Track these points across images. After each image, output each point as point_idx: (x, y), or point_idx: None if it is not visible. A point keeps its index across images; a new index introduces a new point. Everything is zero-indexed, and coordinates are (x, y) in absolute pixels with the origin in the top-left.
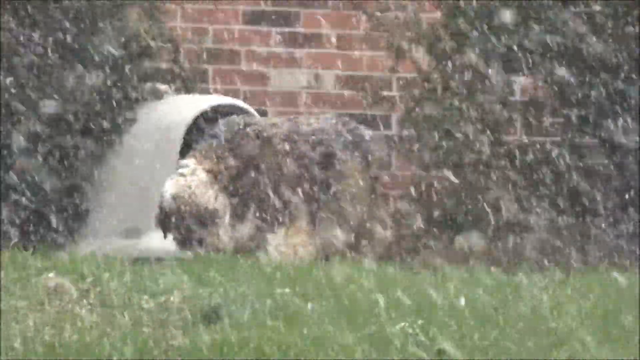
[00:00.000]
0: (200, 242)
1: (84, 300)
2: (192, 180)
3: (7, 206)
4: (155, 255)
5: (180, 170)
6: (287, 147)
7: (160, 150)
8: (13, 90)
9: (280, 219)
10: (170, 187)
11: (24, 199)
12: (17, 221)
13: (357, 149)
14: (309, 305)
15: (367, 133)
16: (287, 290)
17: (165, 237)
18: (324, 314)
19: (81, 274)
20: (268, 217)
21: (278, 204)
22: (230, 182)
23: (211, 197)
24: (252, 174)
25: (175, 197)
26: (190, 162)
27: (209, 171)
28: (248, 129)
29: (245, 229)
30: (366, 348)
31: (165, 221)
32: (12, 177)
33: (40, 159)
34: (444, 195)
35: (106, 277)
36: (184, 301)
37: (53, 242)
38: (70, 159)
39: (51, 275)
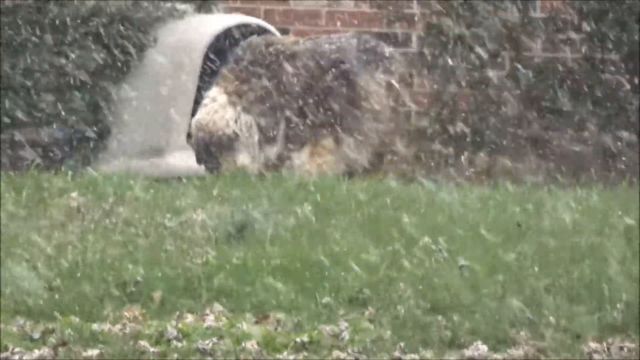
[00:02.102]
0: (219, 165)
1: (107, 219)
2: (212, 106)
3: (28, 126)
4: (177, 174)
5: (204, 102)
6: (309, 65)
7: (181, 69)
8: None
9: (305, 138)
10: (198, 112)
11: (45, 119)
12: (39, 141)
13: (378, 67)
14: (332, 222)
15: (388, 50)
16: (310, 207)
17: (198, 162)
18: (347, 231)
19: (104, 193)
20: (293, 136)
21: (302, 123)
22: (255, 103)
23: (230, 120)
24: (276, 94)
25: (200, 120)
26: (213, 91)
27: (230, 93)
28: (270, 49)
29: (271, 148)
30: (389, 264)
31: (193, 144)
32: (34, 97)
33: (62, 78)
34: (465, 112)
35: (129, 196)
36: (207, 219)
37: (76, 161)
38: (92, 79)
39: (73, 195)
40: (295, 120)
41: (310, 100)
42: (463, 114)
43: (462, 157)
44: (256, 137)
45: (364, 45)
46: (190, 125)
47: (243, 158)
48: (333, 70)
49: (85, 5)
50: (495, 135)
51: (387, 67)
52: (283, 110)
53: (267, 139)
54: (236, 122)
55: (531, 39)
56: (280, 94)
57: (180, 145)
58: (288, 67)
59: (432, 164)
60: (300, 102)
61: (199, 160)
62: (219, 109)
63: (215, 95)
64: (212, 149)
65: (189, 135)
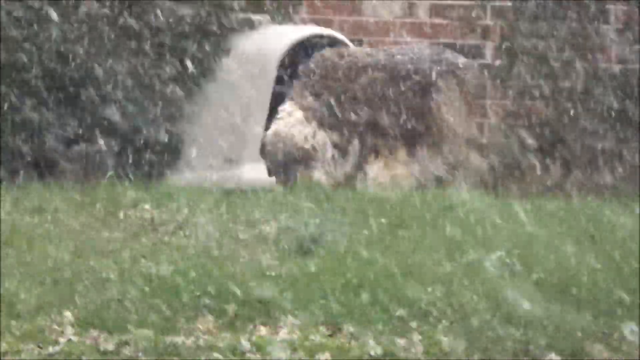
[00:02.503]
0: (293, 179)
1: (180, 232)
2: (288, 121)
3: (102, 137)
4: (250, 186)
5: (278, 116)
6: (381, 77)
7: (255, 80)
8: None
9: (379, 150)
10: (273, 125)
11: (119, 129)
12: (113, 153)
13: (452, 77)
14: (406, 234)
15: (461, 60)
16: (383, 220)
17: (269, 175)
18: (420, 243)
19: (177, 205)
20: (366, 149)
21: (376, 135)
22: (328, 118)
23: (308, 136)
24: (349, 107)
25: (276, 134)
26: (287, 105)
27: (305, 109)
28: (342, 62)
29: (345, 162)
30: (462, 277)
31: (267, 157)
32: (108, 108)
33: (136, 89)
34: (539, 124)
35: (202, 208)
36: (280, 231)
37: (148, 173)
38: (165, 90)
39: (146, 206)
40: (369, 132)
41: (384, 112)
42: (537, 126)
43: (537, 169)
44: (330, 152)
45: (437, 56)
46: (264, 137)
47: (318, 174)
48: (406, 81)
49: (160, 16)
50: (570, 147)
51: (461, 77)
52: (356, 123)
53: (340, 153)
54: (313, 137)
55: (606, 50)
56: (353, 106)
57: (254, 157)
58: (360, 79)
59: (507, 176)
60: (374, 114)
61: (271, 173)
62: (296, 124)
63: (292, 110)
64: (288, 163)
65: (262, 148)
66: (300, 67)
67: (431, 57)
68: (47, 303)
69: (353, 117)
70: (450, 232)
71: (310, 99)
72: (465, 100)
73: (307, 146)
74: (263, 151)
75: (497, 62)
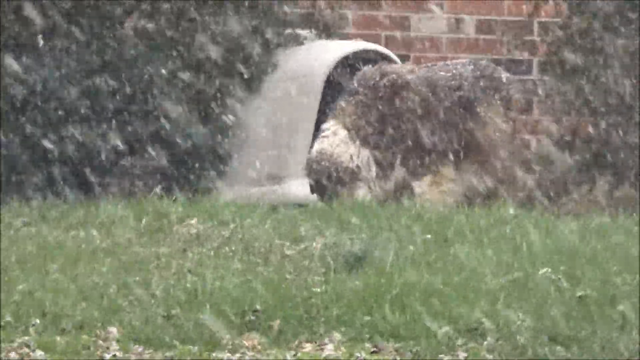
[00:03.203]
0: (336, 197)
1: (226, 247)
2: (333, 140)
3: (149, 152)
4: (296, 202)
5: (323, 134)
6: (425, 94)
7: (302, 96)
8: (154, 36)
9: (425, 167)
10: (317, 144)
11: (166, 144)
12: (160, 168)
13: (496, 93)
14: (452, 251)
15: (505, 76)
16: (429, 236)
17: (312, 192)
18: (466, 260)
19: (223, 221)
20: (413, 166)
21: (422, 152)
22: (372, 136)
23: (353, 155)
24: (393, 125)
25: (321, 152)
26: (331, 123)
27: (349, 129)
28: (384, 80)
29: (391, 180)
30: (509, 293)
31: (311, 175)
32: (155, 123)
33: (182, 105)
34: (586, 140)
35: (248, 224)
36: (326, 247)
37: (194, 189)
38: (211, 105)
39: (192, 222)
40: (414, 149)
41: (428, 129)
42: (584, 142)
43: (583, 185)
44: (374, 171)
45: (481, 72)
46: (309, 155)
47: (361, 192)
48: (449, 97)
49: (206, 31)
50: (617, 163)
51: (504, 93)
52: (401, 141)
53: (384, 172)
54: (357, 157)
55: None
56: (397, 124)
57: (299, 173)
58: (404, 97)
59: (553, 191)
60: (418, 131)
61: (314, 191)
62: (340, 144)
63: (336, 129)
64: (332, 181)
65: (307, 166)
66: (344, 85)
67: (474, 73)
68: (92, 318)
69: (397, 134)
70: (497, 248)
71: (353, 117)
72: (509, 116)
73: (352, 165)
74: (309, 169)
75: (544, 78)
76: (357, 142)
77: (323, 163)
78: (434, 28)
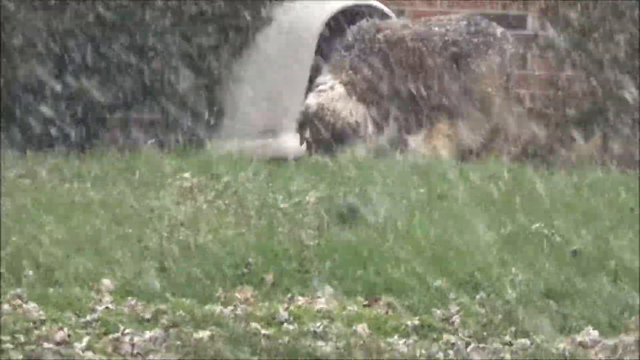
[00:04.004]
0: (332, 152)
1: (220, 200)
2: (332, 95)
3: (141, 106)
4: (290, 156)
5: (319, 88)
6: (419, 49)
7: (295, 50)
8: None
9: (420, 122)
10: (313, 97)
11: (159, 99)
12: (154, 121)
13: (490, 48)
14: (445, 205)
15: (500, 31)
16: (422, 190)
17: (302, 144)
18: (460, 214)
19: (216, 174)
20: (407, 121)
21: (416, 107)
22: (367, 91)
23: (352, 110)
24: (388, 81)
25: (320, 107)
26: (327, 77)
27: (345, 84)
28: (379, 35)
29: (386, 135)
30: (502, 248)
31: (306, 129)
32: (149, 76)
33: (176, 59)
34: (580, 95)
35: (242, 177)
36: (319, 201)
37: (188, 142)
38: (206, 59)
39: (186, 175)
40: (409, 104)
41: (423, 84)
42: (577, 98)
43: (576, 141)
44: (370, 127)
45: (475, 27)
46: (304, 109)
47: (359, 148)
48: (444, 52)
49: None
50: (609, 119)
51: (498, 48)
52: (396, 96)
53: (379, 127)
54: (355, 112)
55: None
56: (392, 79)
57: (294, 126)
58: (398, 52)
59: (545, 147)
60: (413, 87)
61: (309, 144)
62: (339, 99)
63: (333, 84)
64: (332, 137)
65: (301, 120)
66: (339, 40)
67: (468, 28)
68: (86, 271)
69: (392, 89)
70: (490, 203)
71: (349, 72)
72: (504, 71)
73: (351, 121)
74: (306, 122)
75: (539, 33)
76: (354, 98)
77: (325, 118)
78: None
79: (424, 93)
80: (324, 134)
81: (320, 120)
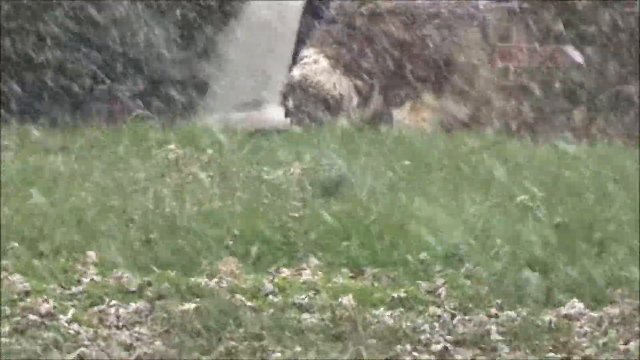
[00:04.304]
0: (320, 123)
1: (204, 172)
2: (316, 68)
3: (126, 78)
4: (275, 128)
5: (303, 61)
6: (403, 22)
7: (279, 22)
8: None
9: (404, 94)
10: (297, 69)
11: (145, 69)
12: (138, 93)
13: (474, 20)
14: (430, 177)
15: (483, 3)
16: (407, 162)
17: (286, 116)
18: (445, 186)
19: (201, 146)
20: (392, 93)
21: (401, 79)
22: (351, 65)
23: (335, 83)
24: (372, 54)
25: (303, 78)
26: (311, 51)
27: (329, 58)
28: (363, 9)
29: (371, 107)
30: (487, 220)
31: (289, 99)
32: (133, 48)
33: (161, 30)
34: (563, 69)
35: (226, 149)
36: (304, 173)
37: (173, 114)
38: (190, 31)
39: (171, 147)
40: (394, 77)
41: (407, 57)
42: (561, 71)
43: (560, 114)
44: (355, 100)
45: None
46: (288, 80)
47: (343, 120)
48: (428, 25)
49: None
50: (594, 92)
51: (482, 21)
52: (380, 69)
53: (364, 100)
54: (339, 85)
55: None
56: (377, 53)
57: (278, 98)
58: (382, 26)
59: (530, 120)
60: (397, 60)
61: (291, 115)
62: (323, 72)
63: (317, 58)
64: (315, 109)
65: (285, 91)
66: (322, 14)
67: (452, 1)
68: (71, 243)
69: (376, 62)
70: (475, 175)
71: (334, 46)
72: (488, 43)
73: (335, 93)
74: (290, 93)
75: (523, 6)
76: (338, 71)
77: (309, 90)
78: None
79: (408, 66)
80: (308, 105)
81: (303, 92)
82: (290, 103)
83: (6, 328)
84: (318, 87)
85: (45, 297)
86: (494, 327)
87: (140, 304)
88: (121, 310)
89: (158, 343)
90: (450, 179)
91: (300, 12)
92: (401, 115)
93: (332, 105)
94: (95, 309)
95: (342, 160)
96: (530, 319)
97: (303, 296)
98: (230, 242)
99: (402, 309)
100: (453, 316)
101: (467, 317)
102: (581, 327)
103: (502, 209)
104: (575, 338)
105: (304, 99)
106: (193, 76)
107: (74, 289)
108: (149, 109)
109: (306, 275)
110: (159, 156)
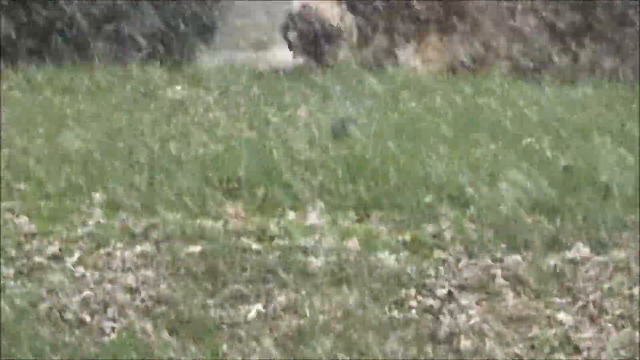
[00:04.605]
0: (322, 55)
1: (210, 114)
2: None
3: (132, 19)
4: (281, 68)
5: None
6: None
7: None
8: None
9: (410, 34)
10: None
11: (151, 12)
12: (145, 33)
13: None
14: (436, 119)
15: None
16: (413, 104)
17: (290, 47)
18: (450, 128)
19: (207, 87)
20: (397, 33)
21: (407, 19)
22: (356, 1)
23: (336, 16)
24: None
25: (304, 7)
26: None
27: None
28: None
29: (375, 46)
30: (492, 163)
31: (290, 30)
32: None
33: None
34: (569, 8)
35: (232, 90)
36: (311, 115)
37: (180, 55)
38: None
39: (177, 88)
40: (399, 16)
41: None
42: (568, 11)
43: (567, 54)
44: (355, 35)
45: None
46: (289, 11)
47: (344, 54)
48: None
49: None
50: (601, 32)
51: None
52: (385, 8)
53: (368, 38)
54: (341, 19)
55: None
56: None
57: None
58: None
59: (536, 60)
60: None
61: (293, 49)
62: (323, 4)
63: None
64: (316, 38)
65: (285, 23)
66: None
67: None
68: (77, 185)
69: (381, 1)
70: (481, 118)
71: None
72: None
73: (335, 24)
74: (286, 25)
75: None
76: (343, 6)
77: (309, 18)
78: None
79: (414, 5)
80: (309, 35)
81: (303, 21)
82: (292, 35)
83: (11, 270)
84: (318, 16)
85: (51, 239)
86: (498, 272)
87: (146, 247)
88: (127, 253)
89: (163, 286)
90: (456, 121)
91: None
92: (406, 56)
93: (333, 35)
94: (101, 251)
95: (348, 102)
96: (536, 264)
97: (308, 239)
98: (236, 185)
99: (407, 253)
100: (458, 260)
101: (472, 261)
102: (586, 271)
103: (508, 152)
104: (580, 282)
105: (304, 29)
106: (200, 17)
107: (79, 231)
108: (155, 50)
109: (312, 218)
110: (166, 97)
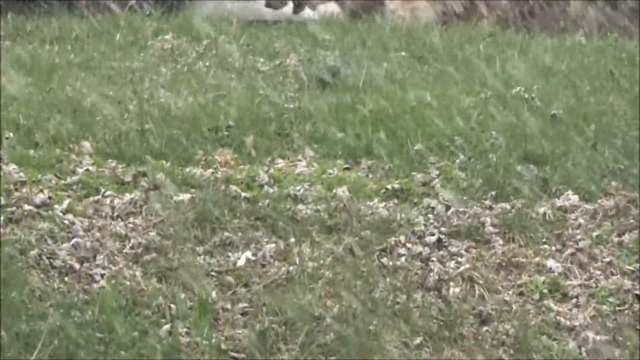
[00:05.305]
0: (314, 7)
1: (200, 63)
2: None
3: None
4: (270, 18)
5: None
6: None
7: None
8: None
9: None
10: None
11: None
12: None
13: None
14: (425, 69)
15: None
16: (403, 53)
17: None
18: (440, 78)
19: (197, 36)
20: None
21: None
22: None
23: None
24: None
25: None
26: None
27: None
28: None
29: None
30: (482, 112)
31: None
32: None
33: None
34: None
35: (222, 40)
36: (300, 64)
37: (169, 4)
38: None
39: (167, 37)
40: None
41: None
42: None
43: (556, 5)
44: None
45: None
46: None
47: (331, 5)
48: None
49: None
50: None
51: None
52: None
53: None
54: None
55: None
56: None
57: None
58: None
59: (526, 11)
60: None
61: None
62: None
63: None
64: None
65: None
66: None
67: None
68: (66, 133)
69: None
70: (470, 67)
71: None
72: None
73: None
74: None
75: None
76: None
77: None
78: None
79: None
80: None
81: None
82: None
83: (1, 218)
84: None
85: (40, 187)
86: (488, 219)
87: (135, 195)
88: (116, 201)
89: (152, 234)
90: (446, 70)
91: None
92: (394, 5)
93: None
94: (90, 199)
95: (337, 51)
96: (525, 211)
97: (298, 187)
98: (226, 133)
99: (396, 200)
100: (447, 208)
101: (461, 209)
102: (575, 219)
103: (497, 101)
104: (570, 230)
105: None
106: None
107: (69, 179)
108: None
109: (301, 166)
110: (155, 46)
